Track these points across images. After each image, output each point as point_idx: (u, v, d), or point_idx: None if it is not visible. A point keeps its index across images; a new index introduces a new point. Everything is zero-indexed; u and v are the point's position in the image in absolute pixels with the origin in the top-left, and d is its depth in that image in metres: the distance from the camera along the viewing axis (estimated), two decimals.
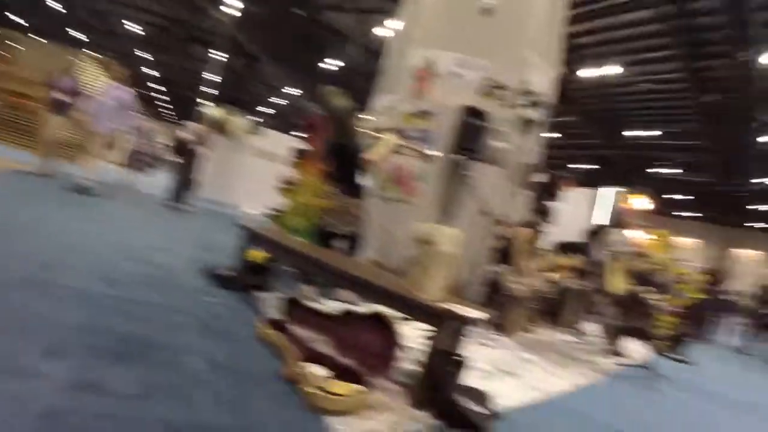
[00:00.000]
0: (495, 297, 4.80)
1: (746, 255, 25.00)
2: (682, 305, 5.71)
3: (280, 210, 5.02)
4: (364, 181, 4.51)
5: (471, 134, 5.52)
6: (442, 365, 2.32)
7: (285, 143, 12.20)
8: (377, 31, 16.30)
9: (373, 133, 4.69)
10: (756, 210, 23.23)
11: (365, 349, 2.51)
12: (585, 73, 14.86)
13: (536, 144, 6.77)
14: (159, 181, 9.91)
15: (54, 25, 24.47)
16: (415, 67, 6.05)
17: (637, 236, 6.38)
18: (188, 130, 8.48)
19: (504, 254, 5.07)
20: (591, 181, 14.38)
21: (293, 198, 4.82)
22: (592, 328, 6.48)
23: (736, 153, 17.26)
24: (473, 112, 5.53)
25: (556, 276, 5.93)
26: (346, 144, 4.23)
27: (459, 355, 2.43)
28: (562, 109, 7.42)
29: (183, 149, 8.41)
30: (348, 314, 2.76)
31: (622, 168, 22.03)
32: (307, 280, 4.10)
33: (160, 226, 6.37)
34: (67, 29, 25.47)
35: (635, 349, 5.69)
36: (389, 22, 14.38)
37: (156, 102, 38.55)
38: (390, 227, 4.85)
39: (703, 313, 9.19)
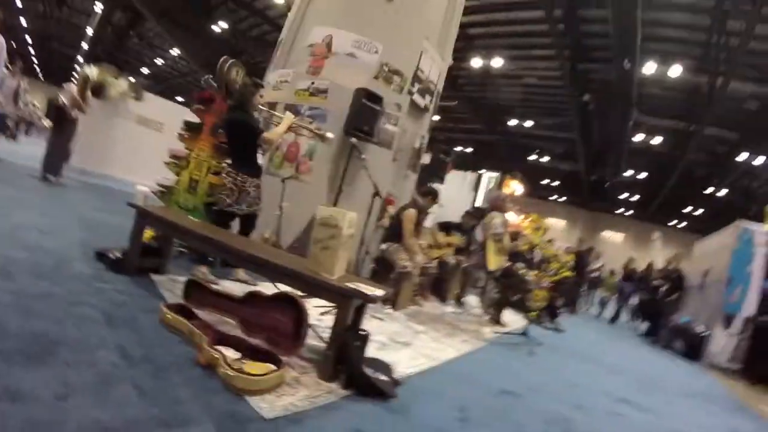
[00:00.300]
0: (386, 274, 5.03)
1: (612, 237, 28.51)
2: (554, 281, 6.45)
3: (169, 186, 4.82)
4: (262, 159, 4.40)
5: (365, 116, 5.67)
6: (349, 340, 2.47)
7: (170, 111, 11.46)
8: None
9: (271, 111, 4.61)
10: (624, 199, 26.70)
11: (274, 329, 2.56)
12: (473, 62, 15.63)
13: (425, 129, 7.14)
14: (28, 150, 8.82)
15: None
16: (312, 43, 6.04)
17: (513, 219, 6.99)
18: (64, 93, 7.52)
19: (394, 233, 5.31)
20: (469, 164, 15.38)
21: (183, 174, 4.65)
22: (473, 301, 7.09)
23: (609, 148, 19.37)
24: (368, 95, 5.67)
25: (439, 253, 6.32)
26: (245, 120, 4.04)
27: (362, 330, 2.62)
28: (445, 93, 7.85)
29: (59, 114, 7.54)
30: (253, 295, 2.76)
31: (500, 154, 23.71)
32: (203, 260, 3.99)
33: (39, 203, 5.62)
34: None
35: (513, 319, 6.34)
36: None
37: (25, 56, 33.66)
38: (283, 205, 4.84)
39: (573, 287, 10.47)
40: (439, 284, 6.48)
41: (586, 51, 13.87)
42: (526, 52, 14.97)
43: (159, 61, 27.52)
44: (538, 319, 6.14)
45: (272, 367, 2.19)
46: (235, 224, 4.20)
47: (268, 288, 4.04)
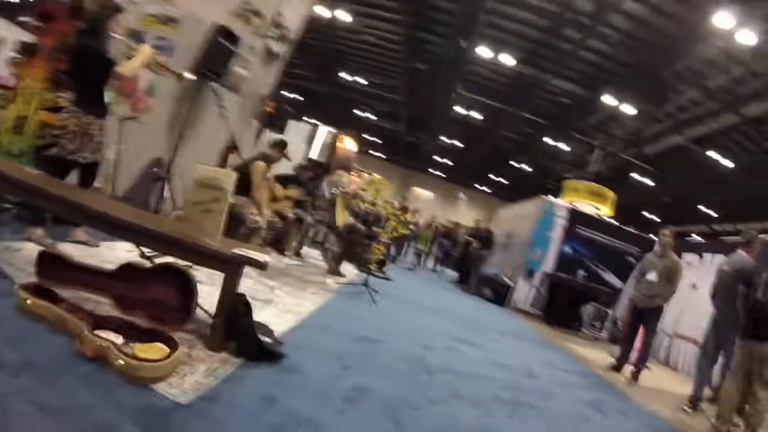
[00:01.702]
0: (235, 228, 4.84)
1: (423, 194, 31.16)
2: (390, 237, 6.97)
3: None
4: (109, 97, 3.76)
5: (219, 56, 5.25)
6: (239, 308, 2.39)
7: None
8: None
9: (126, 40, 3.93)
10: (437, 161, 29.51)
11: (157, 304, 2.31)
12: (316, 9, 15.21)
13: (273, 77, 6.90)
14: None
15: None
16: None
17: (351, 177, 7.27)
18: None
19: (241, 185, 5.11)
20: (295, 111, 15.36)
21: (9, 109, 3.76)
22: (309, 253, 7.28)
23: (430, 114, 20.81)
24: (226, 33, 5.25)
25: (278, 206, 6.29)
26: (97, 48, 3.36)
27: (244, 295, 2.54)
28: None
29: None
30: (129, 268, 2.42)
31: (327, 104, 23.87)
32: (36, 220, 3.30)
33: None
34: None
35: (350, 270, 6.71)
36: None
37: None
38: (118, 148, 4.29)
39: (402, 242, 11.37)
40: (280, 238, 6.47)
41: (429, 22, 14.59)
42: (371, 10, 15.09)
43: None
44: (373, 269, 6.60)
45: (164, 347, 2.00)
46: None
47: (111, 248, 3.71)
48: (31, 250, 2.97)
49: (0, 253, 2.80)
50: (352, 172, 6.64)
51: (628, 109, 14.36)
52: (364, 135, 27.66)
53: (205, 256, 2.31)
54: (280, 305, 3.79)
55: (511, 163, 25.03)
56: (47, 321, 2.06)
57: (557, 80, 14.78)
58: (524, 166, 24.88)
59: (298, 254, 6.87)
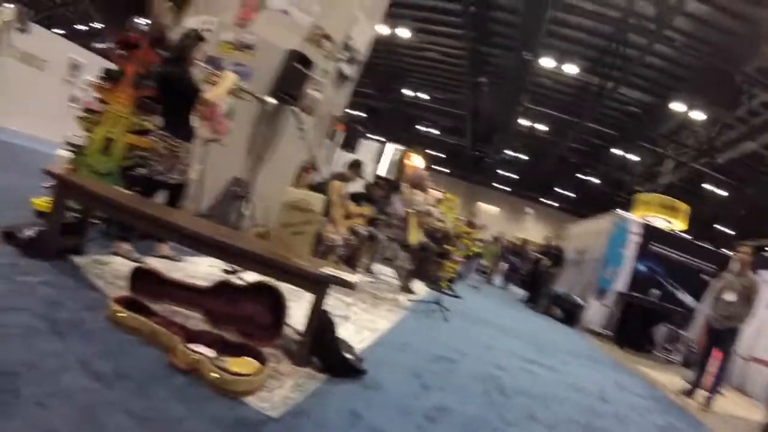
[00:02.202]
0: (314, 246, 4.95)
1: (488, 209, 30.73)
2: (463, 255, 6.87)
3: (79, 145, 4.18)
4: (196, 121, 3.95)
5: (294, 80, 5.42)
6: (326, 324, 2.44)
7: (55, 46, 9.88)
8: None
9: (212, 69, 4.14)
10: (503, 175, 28.89)
11: (248, 320, 2.38)
12: (378, 28, 15.52)
13: (345, 98, 7.03)
14: None
15: None
16: None
17: (426, 195, 7.22)
18: None
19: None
20: (364, 130, 15.58)
21: (97, 131, 4.00)
22: (380, 270, 7.30)
23: (495, 128, 20.58)
24: (300, 58, 5.42)
25: (351, 223, 6.37)
26: (183, 76, 3.52)
27: (328, 312, 2.58)
28: None
29: None
30: (223, 285, 2.51)
31: (391, 121, 24.10)
32: (123, 236, 3.49)
33: None
34: None
35: (421, 287, 6.67)
36: None
37: None
38: (198, 169, 4.47)
39: (470, 259, 11.29)
40: (353, 254, 6.55)
41: (491, 36, 14.47)
42: (432, 26, 15.19)
43: None
44: (444, 287, 6.52)
45: (255, 362, 2.05)
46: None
47: (194, 263, 3.87)
48: (119, 264, 3.19)
49: (91, 267, 2.94)
50: (426, 191, 6.62)
51: (699, 116, 13.47)
52: (428, 150, 27.80)
53: (296, 275, 2.37)
54: (357, 322, 3.82)
55: (579, 176, 24.13)
56: (140, 334, 2.14)
57: (624, 88, 14.11)
58: (592, 179, 23.91)
59: (369, 271, 6.92)
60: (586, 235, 11.71)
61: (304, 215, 2.43)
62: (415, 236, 5.92)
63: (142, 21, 4.33)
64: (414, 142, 21.89)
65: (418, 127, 25.16)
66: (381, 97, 21.79)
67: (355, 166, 5.80)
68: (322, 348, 2.40)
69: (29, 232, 2.86)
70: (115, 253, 3.35)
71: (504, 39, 14.32)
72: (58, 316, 2.12)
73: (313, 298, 2.40)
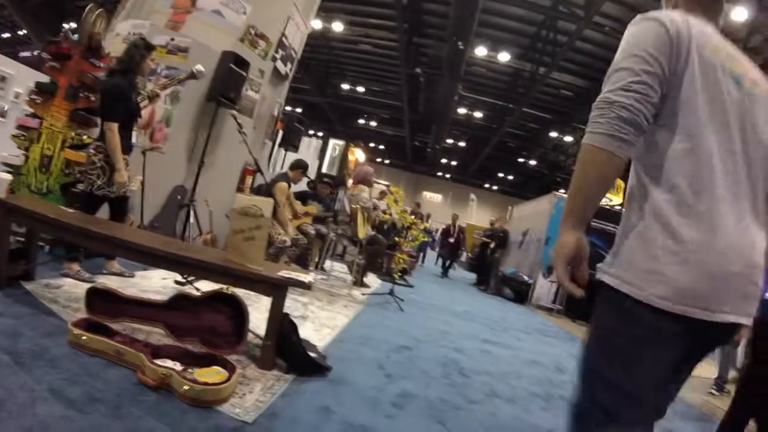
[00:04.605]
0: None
1: (432, 197, 31.27)
2: (412, 246, 7.03)
3: (16, 165, 3.97)
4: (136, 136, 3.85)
5: (231, 82, 5.37)
6: (287, 327, 2.49)
7: None
8: None
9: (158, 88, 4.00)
10: (445, 163, 29.71)
11: (209, 329, 2.40)
12: (311, 23, 15.42)
13: (282, 96, 7.01)
14: None
15: None
16: None
17: (371, 189, 7.31)
18: None
19: None
20: (303, 128, 15.47)
21: (33, 149, 3.83)
22: (335, 267, 7.35)
23: (433, 117, 20.92)
24: (235, 59, 5.37)
25: (298, 223, 6.39)
26: (128, 89, 3.41)
27: (288, 314, 2.64)
28: None
29: None
30: (181, 298, 2.51)
31: (330, 116, 24.06)
32: (71, 256, 3.36)
33: None
34: None
35: (373, 280, 6.79)
36: None
37: None
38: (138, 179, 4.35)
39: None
40: (303, 253, 6.57)
41: (424, 27, 14.68)
42: (366, 19, 15.24)
43: None
44: (396, 278, 6.67)
45: (223, 370, 2.09)
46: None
47: (146, 277, 3.82)
48: (71, 285, 3.10)
49: (43, 292, 2.85)
50: (371, 185, 6.72)
51: None
52: (369, 143, 27.93)
53: (253, 281, 2.42)
54: (315, 320, 3.88)
55: (518, 159, 25.06)
56: (105, 355, 2.12)
57: (556, 73, 14.78)
58: (531, 162, 24.90)
59: (321, 268, 6.96)
60: (528, 216, 12.19)
61: (254, 221, 2.46)
62: (364, 231, 6.03)
63: (70, 27, 4.13)
64: (354, 135, 21.99)
65: (357, 120, 25.25)
66: (318, 92, 21.66)
67: (299, 166, 5.83)
68: (287, 349, 2.46)
69: None
70: (66, 275, 3.25)
71: (437, 30, 14.59)
72: (19, 346, 2.06)
73: (271, 301, 2.45)
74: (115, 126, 3.32)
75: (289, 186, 5.72)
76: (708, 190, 1.04)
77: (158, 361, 2.05)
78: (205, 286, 3.52)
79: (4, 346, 2.03)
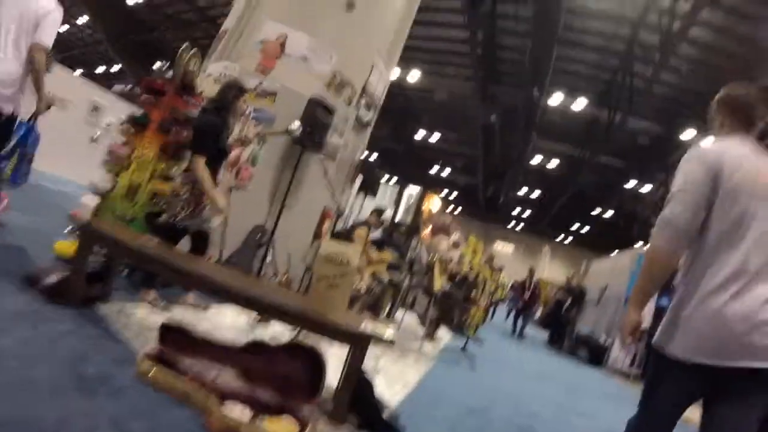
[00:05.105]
0: None
1: (504, 248, 30.50)
2: (489, 301, 6.72)
3: (104, 190, 4.14)
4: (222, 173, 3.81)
5: (317, 126, 5.41)
6: (364, 381, 2.35)
7: (75, 87, 10.15)
8: None
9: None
10: (517, 214, 29.06)
11: (285, 378, 2.23)
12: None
13: (364, 143, 7.04)
14: None
15: None
16: (264, 39, 5.60)
17: (449, 240, 7.09)
18: None
19: None
20: (369, 170, 15.60)
21: (122, 177, 3.96)
22: (405, 318, 7.09)
23: (507, 166, 20.65)
24: (321, 105, 5.43)
25: (372, 270, 6.26)
26: (222, 127, 3.49)
27: (364, 368, 2.45)
28: None
29: None
30: (258, 344, 2.38)
31: (404, 163, 24.24)
32: (149, 283, 3.39)
33: None
34: None
35: (445, 334, 6.49)
36: None
37: None
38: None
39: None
40: (376, 302, 6.40)
41: (499, 75, 14.70)
42: (443, 68, 15.49)
43: (62, 27, 24.18)
44: (469, 334, 6.32)
45: (294, 422, 1.92)
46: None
47: (220, 312, 3.75)
48: (145, 313, 3.09)
49: (117, 317, 2.84)
50: (449, 235, 6.53)
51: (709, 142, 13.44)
52: (441, 193, 27.88)
53: (332, 330, 2.28)
54: (387, 375, 3.66)
55: (595, 211, 23.96)
56: (172, 392, 2.02)
57: (632, 118, 14.15)
58: (607, 213, 23.70)
59: (391, 318, 6.74)
60: (606, 272, 11.47)
61: (340, 268, 2.35)
62: (440, 284, 5.81)
63: (164, 64, 4.36)
64: (427, 182, 22.01)
65: (430, 167, 25.32)
66: (393, 138, 22.04)
67: (378, 212, 5.80)
68: (360, 404, 2.28)
69: (53, 278, 2.75)
70: (141, 302, 3.25)
71: (512, 78, 14.56)
72: (85, 371, 2.00)
73: (349, 353, 2.28)
74: (202, 160, 3.37)
75: (368, 232, 5.64)
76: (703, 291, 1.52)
77: (227, 406, 1.91)
78: (279, 327, 3.44)
79: (69, 366, 1.99)
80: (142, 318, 2.96)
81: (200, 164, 3.36)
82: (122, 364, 2.17)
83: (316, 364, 2.26)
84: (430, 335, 6.08)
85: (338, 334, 2.28)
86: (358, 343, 2.26)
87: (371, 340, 2.28)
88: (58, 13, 3.16)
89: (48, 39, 3.09)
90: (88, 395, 1.82)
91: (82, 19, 20.92)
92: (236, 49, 5.76)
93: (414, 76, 15.63)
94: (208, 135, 3.45)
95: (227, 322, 3.56)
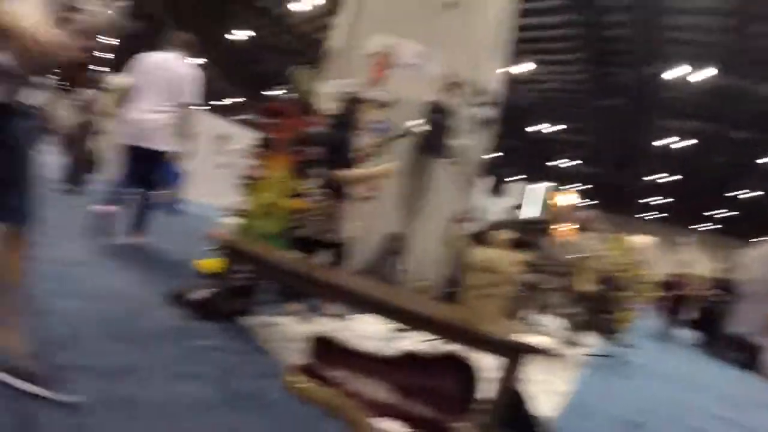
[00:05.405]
0: None
1: (640, 241, 28.17)
2: (641, 301, 6.18)
3: (241, 211, 4.44)
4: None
5: (437, 131, 5.34)
6: (521, 396, 2.21)
7: (206, 120, 11.22)
8: (292, 6, 15.70)
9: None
10: (650, 202, 26.55)
11: (437, 392, 2.17)
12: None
13: (485, 142, 6.82)
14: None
15: None
16: (371, 52, 5.65)
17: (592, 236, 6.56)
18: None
19: None
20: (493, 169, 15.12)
21: (258, 196, 4.20)
22: (542, 321, 6.70)
23: (633, 151, 19.09)
24: (439, 109, 5.34)
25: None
26: (346, 140, 3.61)
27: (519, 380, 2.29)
28: None
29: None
30: (412, 355, 2.32)
31: (522, 159, 23.35)
32: (290, 296, 3.56)
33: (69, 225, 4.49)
34: None
35: (592, 339, 6.05)
36: None
37: None
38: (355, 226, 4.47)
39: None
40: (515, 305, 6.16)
41: (610, 55, 13.67)
42: (550, 56, 14.75)
43: None
44: (618, 338, 5.81)
45: None
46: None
47: (361, 321, 3.80)
48: (288, 325, 3.21)
49: (259, 329, 2.95)
50: (592, 231, 6.11)
51: None
52: (565, 185, 26.50)
53: (483, 341, 2.13)
54: (536, 384, 3.45)
55: (734, 193, 21.12)
56: (323, 406, 2.02)
57: (762, 85, 12.20)
58: (748, 193, 20.76)
59: (527, 322, 6.42)
60: (759, 261, 10.00)
61: (493, 276, 2.20)
62: (584, 283, 5.42)
63: (281, 89, 4.63)
64: (551, 176, 21.06)
65: (550, 161, 24.22)
66: (509, 134, 21.36)
67: (513, 213, 5.57)
68: (515, 420, 2.14)
69: (198, 295, 2.94)
70: (282, 314, 3.41)
71: (624, 56, 13.44)
72: (234, 384, 2.07)
73: (505, 366, 2.11)
74: (341, 170, 3.51)
75: (505, 234, 5.44)
76: None
77: (381, 419, 1.89)
78: (420, 337, 3.40)
79: (217, 382, 2.06)
80: (286, 330, 3.08)
81: (342, 174, 3.52)
82: (270, 378, 2.23)
83: (468, 376, 2.16)
84: (575, 341, 5.69)
85: (492, 345, 2.13)
86: (513, 355, 2.10)
87: (529, 351, 2.12)
88: (197, 75, 4.41)
89: (191, 97, 4.38)
90: (239, 410, 1.87)
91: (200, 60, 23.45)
92: (345, 67, 5.89)
93: (522, 67, 15.06)
94: (334, 150, 3.57)
95: (368, 332, 3.59)
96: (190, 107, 4.42)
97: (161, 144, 4.44)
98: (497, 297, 2.20)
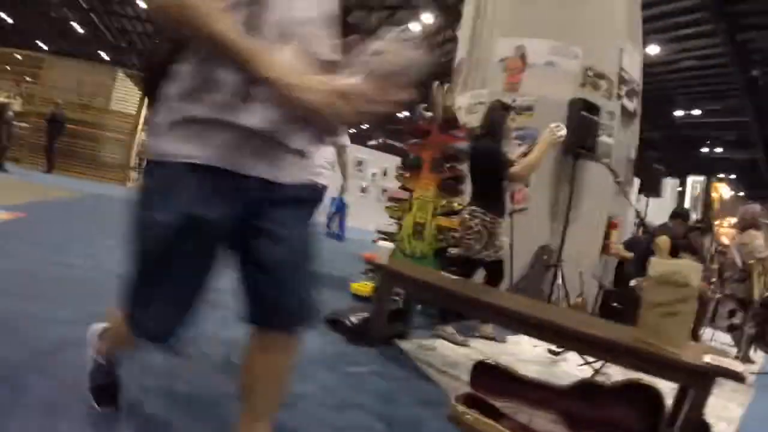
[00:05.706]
0: (633, 313, 4.32)
1: None
2: None
3: (391, 233, 4.56)
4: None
5: (584, 130, 5.05)
6: (706, 426, 2.01)
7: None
8: (412, 25, 15.88)
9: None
10: None
11: (611, 424, 2.04)
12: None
13: (635, 136, 6.33)
14: None
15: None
16: (503, 57, 5.54)
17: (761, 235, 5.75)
18: None
19: (642, 265, 4.56)
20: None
21: (406, 218, 4.30)
22: (714, 336, 5.96)
23: None
24: (585, 105, 5.05)
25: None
26: (494, 149, 3.46)
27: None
28: None
29: None
30: (588, 385, 2.20)
31: (668, 150, 21.22)
32: (444, 317, 3.50)
33: None
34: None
35: (760, 355, 5.30)
36: (424, 16, 14.19)
37: None
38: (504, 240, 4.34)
39: None
40: None
41: (746, 18, 11.81)
42: (679, 32, 13.19)
43: None
44: None
45: None
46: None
47: (516, 343, 3.68)
48: (445, 348, 3.18)
49: (416, 353, 2.93)
50: (760, 228, 5.40)
51: None
52: (717, 175, 23.69)
53: (667, 366, 1.96)
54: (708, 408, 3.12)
55: None
56: None
57: None
58: None
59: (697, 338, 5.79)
60: None
61: (679, 291, 1.97)
62: (759, 290, 4.78)
63: (420, 107, 4.62)
64: (699, 167, 18.96)
65: (698, 149, 21.77)
66: (649, 126, 19.58)
67: (679, 215, 5.12)
68: None
69: (354, 319, 2.96)
70: (439, 336, 3.38)
71: (760, 17, 11.52)
72: (393, 414, 2.04)
73: (691, 395, 1.97)
74: (511, 173, 3.43)
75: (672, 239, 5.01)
76: None
77: None
78: (577, 360, 3.23)
79: (378, 411, 2.03)
80: (443, 354, 3.05)
81: (511, 173, 3.44)
82: (431, 406, 2.18)
83: (652, 407, 1.99)
84: (746, 357, 5.02)
85: (672, 370, 1.95)
86: (701, 382, 1.91)
87: (723, 376, 1.90)
88: None
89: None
90: None
91: None
92: (478, 76, 5.84)
93: (652, 50, 13.69)
94: (489, 161, 3.48)
95: (526, 354, 3.49)
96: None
97: None
98: (685, 314, 1.99)
